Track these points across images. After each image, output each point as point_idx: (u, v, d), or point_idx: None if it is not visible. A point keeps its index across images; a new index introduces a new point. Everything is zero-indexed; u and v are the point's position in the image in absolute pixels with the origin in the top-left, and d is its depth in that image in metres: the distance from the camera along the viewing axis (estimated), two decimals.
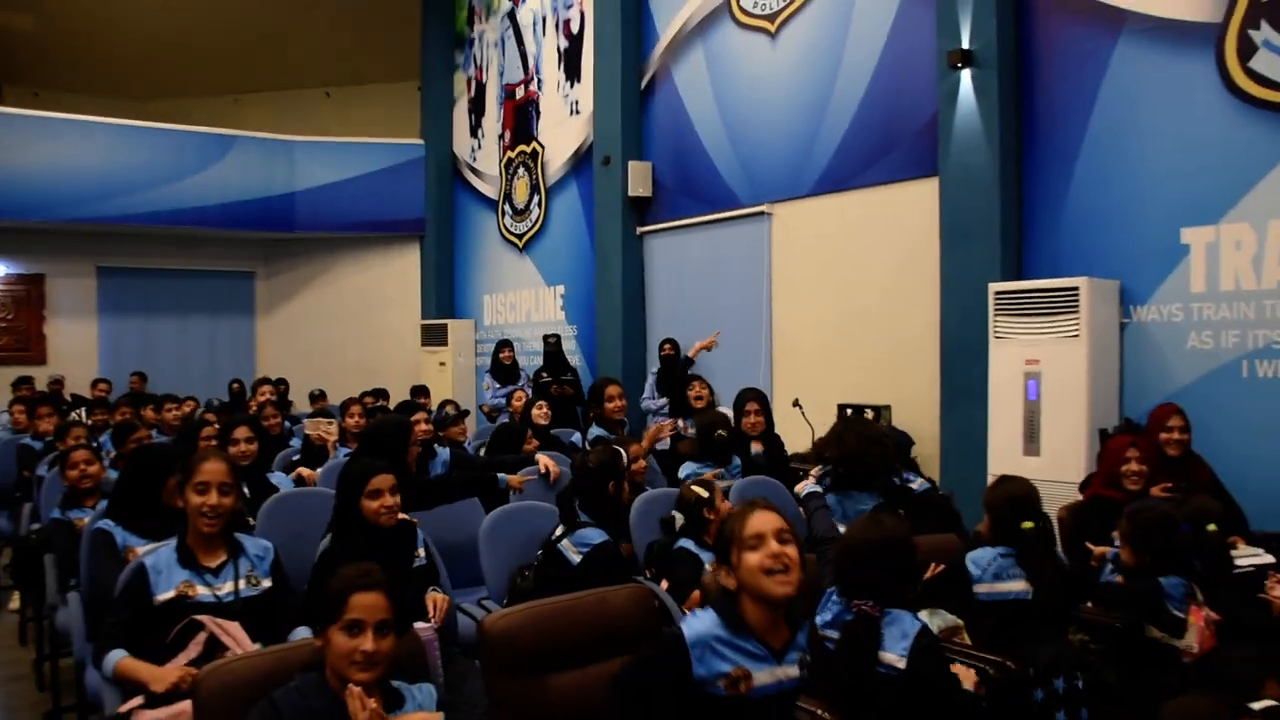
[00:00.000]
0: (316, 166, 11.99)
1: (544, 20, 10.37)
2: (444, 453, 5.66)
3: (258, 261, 12.87)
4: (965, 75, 6.09)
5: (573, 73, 9.91)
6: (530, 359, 10.03)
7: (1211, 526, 3.46)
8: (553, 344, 9.37)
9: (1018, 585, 3.32)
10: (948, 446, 6.29)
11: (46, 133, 10.81)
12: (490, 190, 11.44)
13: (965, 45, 6.09)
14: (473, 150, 11.81)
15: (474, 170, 11.80)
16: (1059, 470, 5.40)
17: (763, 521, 2.27)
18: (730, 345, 8.15)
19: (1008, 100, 6.01)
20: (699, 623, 2.28)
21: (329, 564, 3.26)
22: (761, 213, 7.80)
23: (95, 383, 10.16)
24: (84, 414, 8.70)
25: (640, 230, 9.05)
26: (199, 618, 2.95)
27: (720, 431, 5.24)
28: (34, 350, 11.45)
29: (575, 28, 9.84)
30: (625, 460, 4.12)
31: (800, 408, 6.84)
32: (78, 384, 10.67)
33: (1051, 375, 5.55)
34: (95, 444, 5.86)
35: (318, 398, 9.50)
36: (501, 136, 11.18)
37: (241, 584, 3.09)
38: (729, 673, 2.21)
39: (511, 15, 10.93)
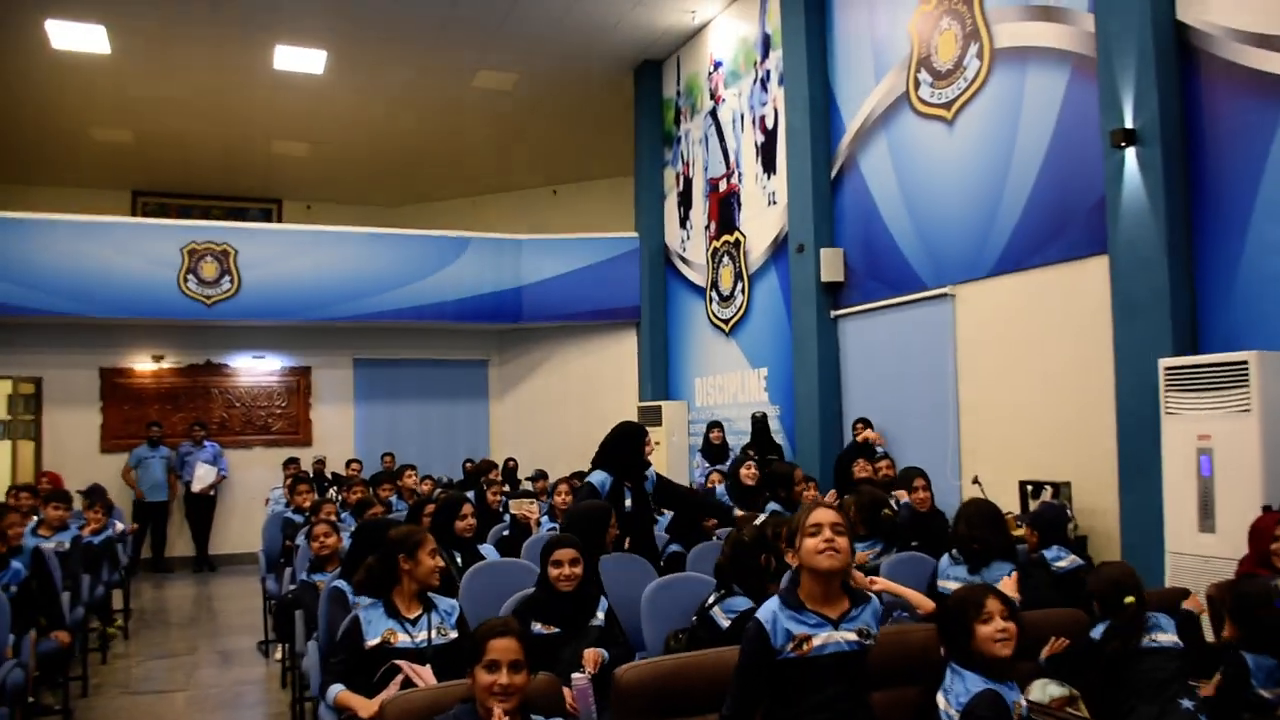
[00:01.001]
0: (541, 261, 13.14)
1: (742, 117, 11.08)
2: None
3: (491, 350, 14.13)
4: (1129, 153, 6.22)
5: (769, 165, 10.53)
6: (738, 438, 10.53)
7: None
8: (759, 420, 9.91)
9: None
10: (1127, 523, 6.29)
11: (312, 243, 12.50)
12: (699, 278, 12.16)
13: (1128, 124, 6.23)
14: (682, 241, 12.60)
15: (684, 259, 12.57)
16: (1235, 548, 5.32)
17: (822, 515, 2.79)
18: (920, 423, 8.39)
19: (1174, 175, 6.08)
20: (765, 610, 2.79)
21: (516, 614, 3.96)
22: (945, 294, 8.05)
23: (349, 463, 11.50)
24: (337, 491, 9.95)
25: (834, 314, 9.46)
26: (397, 662, 3.66)
27: (886, 510, 5.59)
28: (302, 434, 13.09)
29: (770, 123, 10.48)
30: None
31: (980, 485, 7.01)
32: (336, 463, 12.08)
33: (1224, 451, 5.51)
34: (340, 518, 6.92)
35: (536, 478, 10.37)
36: (707, 227, 11.90)
37: (433, 633, 3.79)
38: (794, 636, 2.72)
39: (713, 113, 11.72)
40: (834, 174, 9.53)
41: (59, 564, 6.42)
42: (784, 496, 6.57)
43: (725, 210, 11.49)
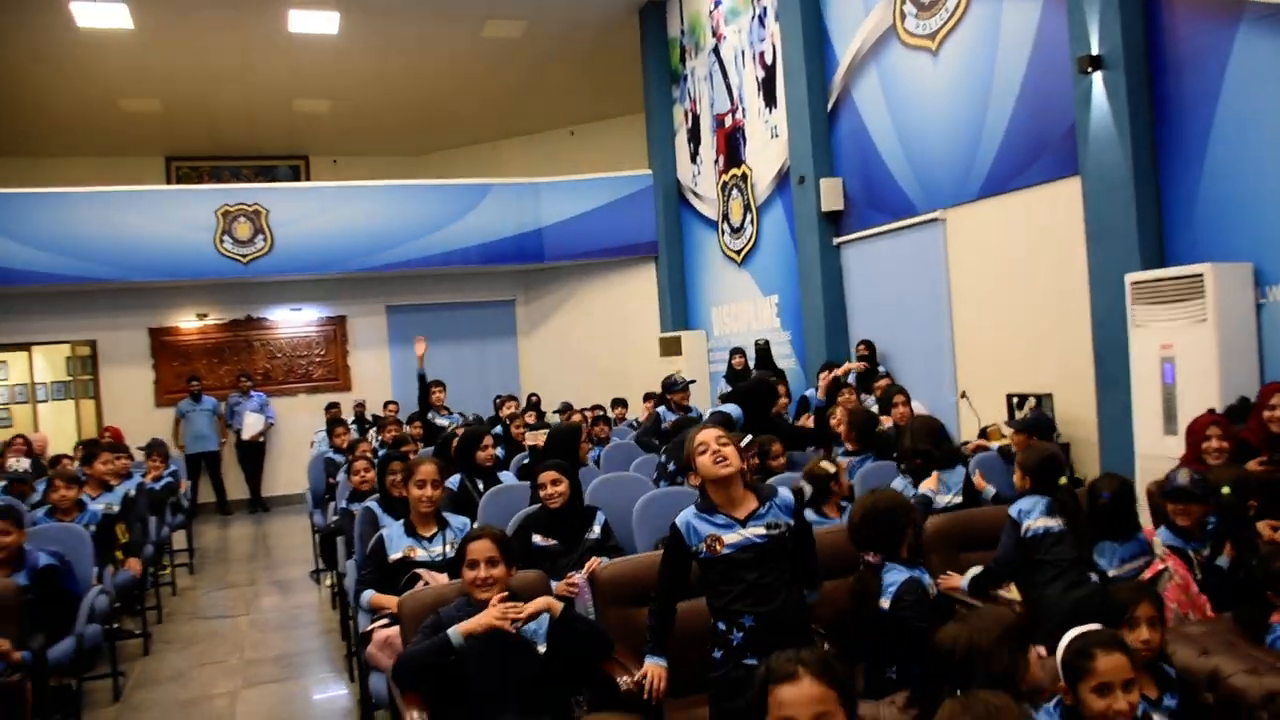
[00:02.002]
0: (560, 202, 13.55)
1: (743, 53, 11.35)
2: None
3: (517, 290, 14.64)
4: (1096, 78, 6.50)
5: (770, 100, 10.82)
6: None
7: (1225, 490, 3.93)
8: (762, 347, 10.40)
9: (1053, 521, 3.97)
10: (1104, 430, 6.71)
11: (338, 199, 13.02)
12: (711, 211, 12.53)
13: (1094, 50, 6.50)
14: (693, 175, 12.95)
15: (695, 194, 12.93)
16: None
17: (705, 435, 3.23)
18: (919, 342, 8.81)
19: (1137, 99, 6.37)
20: (682, 516, 3.26)
21: (520, 528, 4.53)
22: (935, 219, 8.40)
23: (386, 404, 12.13)
24: (376, 430, 10.59)
25: (836, 241, 9.83)
26: (417, 570, 4.25)
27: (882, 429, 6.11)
28: (341, 380, 13.72)
29: (769, 58, 10.74)
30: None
31: (967, 399, 7.45)
32: (375, 405, 12.71)
33: (1184, 359, 5.90)
34: (377, 454, 7.52)
35: (562, 410, 10.92)
36: (716, 162, 12.24)
37: (447, 548, 4.37)
38: (706, 539, 3.19)
39: (716, 50, 11.98)
40: (830, 106, 9.82)
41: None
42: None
43: (732, 145, 11.81)
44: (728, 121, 11.86)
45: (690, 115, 12.90)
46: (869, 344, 9.16)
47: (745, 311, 11.84)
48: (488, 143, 17.44)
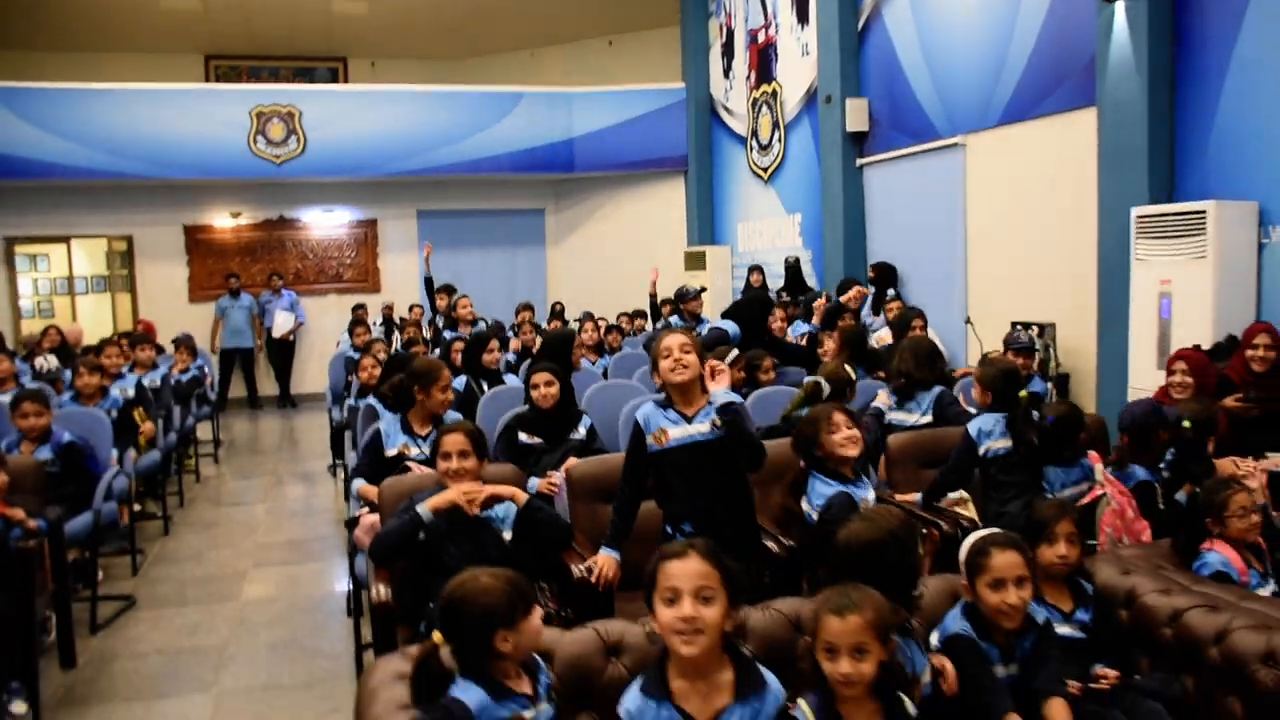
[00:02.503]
0: (592, 113, 13.57)
1: None
2: None
3: (547, 199, 14.74)
4: (1118, 8, 6.43)
5: (803, 16, 10.71)
6: (777, 282, 11.07)
7: (1186, 424, 4.05)
8: (792, 264, 10.47)
9: (1005, 443, 4.12)
10: (1102, 364, 6.79)
11: (371, 102, 13.15)
12: (740, 128, 12.50)
13: None
14: (726, 91, 12.89)
15: (727, 109, 12.89)
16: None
17: (670, 340, 3.44)
18: (932, 267, 8.85)
19: (1158, 31, 6.29)
20: (643, 410, 3.52)
21: (507, 425, 4.76)
22: (956, 144, 8.38)
23: (411, 308, 12.37)
24: (401, 332, 10.89)
25: (859, 162, 9.82)
26: (408, 463, 4.49)
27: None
28: (370, 282, 13.99)
29: None
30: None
31: (971, 324, 7.53)
32: (403, 308, 12.95)
33: (1181, 295, 5.95)
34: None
35: (584, 319, 11.09)
36: (748, 78, 12.17)
37: None
38: (655, 431, 3.44)
39: None
40: (860, 25, 9.72)
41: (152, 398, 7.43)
42: None
43: (764, 61, 11.73)
44: (761, 37, 11.76)
45: (725, 29, 12.79)
46: (879, 267, 9.21)
47: (770, 229, 11.89)
48: (526, 50, 17.31)
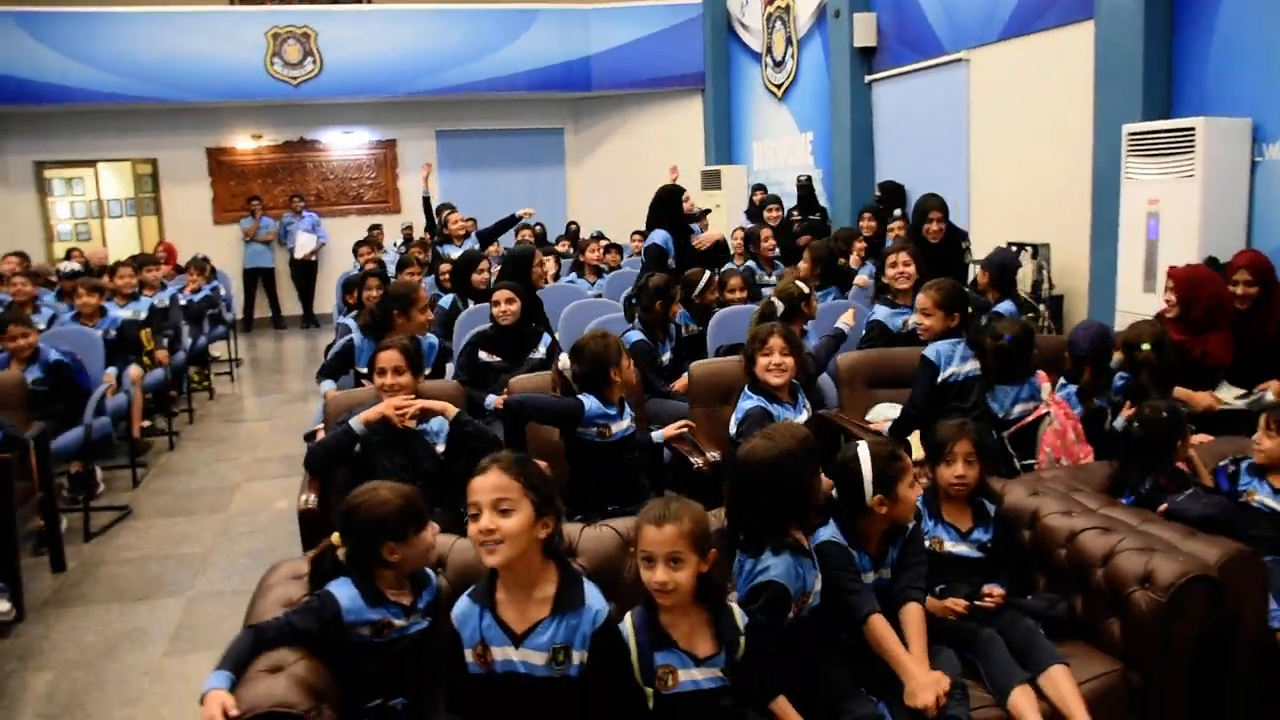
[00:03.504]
0: (609, 29, 13.38)
1: None
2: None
3: (567, 119, 14.62)
4: None
5: None
6: (790, 201, 10.93)
7: (1145, 346, 3.96)
8: (804, 184, 10.31)
9: (971, 365, 4.03)
10: (1094, 286, 6.67)
11: (386, 22, 13.08)
12: (756, 44, 12.25)
13: None
14: (742, 5, 12.60)
15: (743, 24, 12.61)
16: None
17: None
18: (937, 187, 8.64)
19: None
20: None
21: (469, 343, 4.85)
22: (960, 59, 8.17)
23: (426, 228, 12.41)
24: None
25: (868, 79, 9.62)
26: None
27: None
28: (391, 203, 14.04)
29: None
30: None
31: (968, 246, 7.39)
32: (422, 230, 13.01)
33: (1169, 215, 5.81)
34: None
35: (596, 238, 11.04)
36: None
37: None
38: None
39: None
40: None
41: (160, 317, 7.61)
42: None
43: None
44: None
45: None
46: (886, 186, 9.04)
47: (784, 147, 11.72)
48: None
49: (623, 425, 3.65)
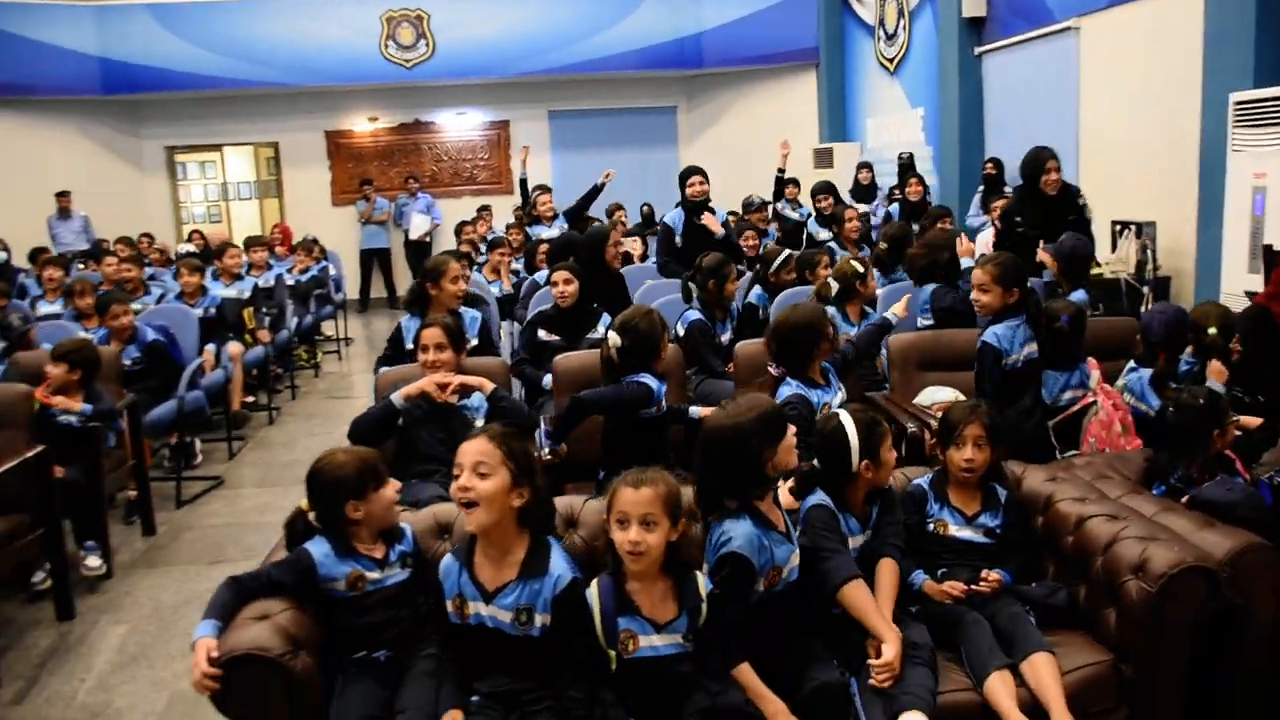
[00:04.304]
0: (720, 5, 13.39)
1: None
2: None
3: (680, 97, 14.70)
4: None
5: None
6: (892, 179, 10.78)
7: (1211, 330, 3.82)
8: (906, 160, 10.18)
9: (1032, 347, 3.94)
10: (1200, 266, 6.42)
11: (500, 3, 13.38)
12: (869, 16, 12.07)
13: None
14: None
15: None
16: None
17: None
18: None
19: None
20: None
21: (529, 322, 5.13)
22: (1069, 28, 7.92)
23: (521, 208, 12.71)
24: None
25: (977, 51, 9.40)
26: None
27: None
28: (504, 183, 14.38)
29: None
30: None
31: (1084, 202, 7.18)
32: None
33: (1277, 189, 5.55)
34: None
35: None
36: None
37: None
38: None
39: None
40: None
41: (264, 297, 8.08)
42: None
43: None
44: None
45: None
46: (997, 161, 8.84)
47: (895, 124, 11.55)
48: None
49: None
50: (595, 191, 8.55)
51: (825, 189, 8.34)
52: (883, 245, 6.15)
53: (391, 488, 2.65)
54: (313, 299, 9.47)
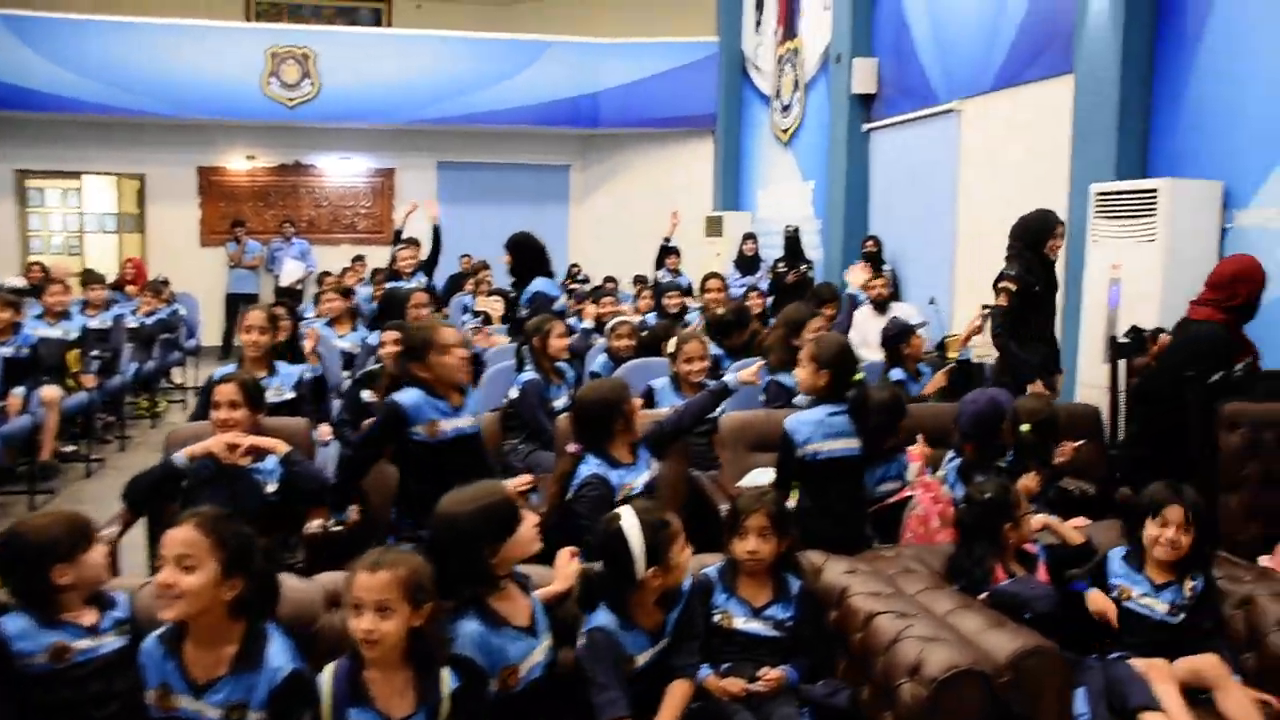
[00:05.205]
0: (620, 66, 13.51)
1: None
2: None
3: (574, 155, 14.74)
4: None
5: None
6: (777, 252, 10.88)
7: (1025, 428, 3.84)
8: (791, 234, 10.31)
9: (831, 444, 3.64)
10: (1065, 351, 6.51)
11: (389, 47, 13.35)
12: (767, 86, 12.30)
13: None
14: (756, 46, 12.68)
15: (755, 66, 12.68)
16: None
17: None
18: (924, 241, 8.64)
19: None
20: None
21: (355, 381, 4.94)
22: (951, 110, 8.13)
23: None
24: None
25: (866, 127, 9.60)
26: None
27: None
28: (385, 233, 14.09)
29: None
30: None
31: (935, 304, 7.32)
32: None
33: (1130, 281, 5.69)
34: None
35: (605, 282, 10.89)
36: (776, 32, 11.94)
37: (269, 394, 4.69)
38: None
39: None
40: None
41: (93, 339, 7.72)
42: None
43: (790, 14, 11.51)
44: None
45: None
46: (877, 239, 9.00)
47: (787, 194, 11.70)
48: None
49: (458, 424, 3.68)
50: (438, 232, 8.63)
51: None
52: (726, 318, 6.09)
53: (100, 550, 2.49)
54: (158, 344, 9.11)
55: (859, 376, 3.78)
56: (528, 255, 7.25)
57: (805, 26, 11.06)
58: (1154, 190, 5.53)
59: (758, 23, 12.60)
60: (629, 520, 2.63)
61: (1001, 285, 5.31)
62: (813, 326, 5.01)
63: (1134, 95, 6.04)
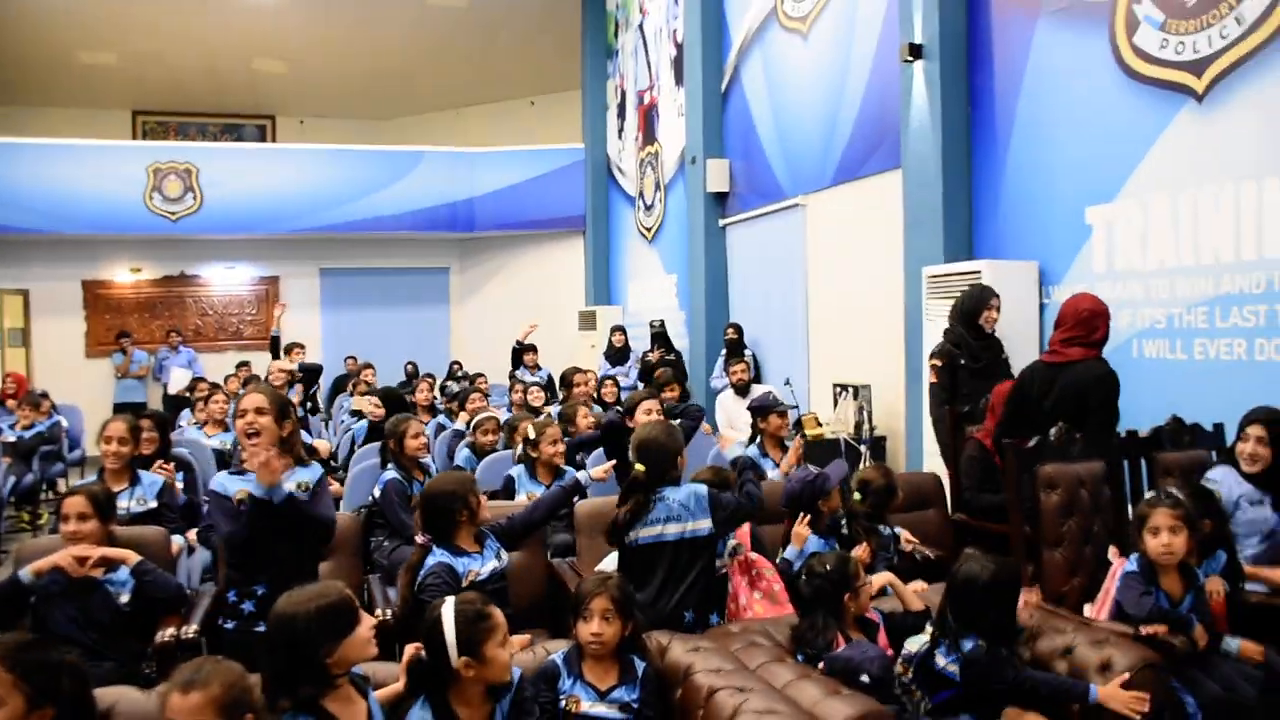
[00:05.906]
0: (494, 173, 13.54)
1: (660, 30, 11.21)
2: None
3: (453, 258, 14.64)
4: (917, 67, 6.35)
5: (679, 77, 10.68)
6: (645, 344, 10.89)
7: (856, 496, 3.83)
8: (657, 327, 10.35)
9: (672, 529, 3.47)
10: (909, 428, 6.59)
11: (269, 161, 13.14)
12: (631, 188, 12.45)
13: (916, 38, 6.34)
14: (619, 151, 12.86)
15: (620, 169, 12.86)
16: None
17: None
18: (780, 326, 8.72)
19: (953, 90, 6.21)
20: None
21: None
22: (797, 205, 8.29)
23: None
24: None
25: (722, 223, 9.73)
26: None
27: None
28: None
29: (680, 36, 10.60)
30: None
31: (790, 386, 7.34)
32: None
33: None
34: None
35: (474, 377, 10.70)
36: (636, 138, 12.14)
37: (133, 504, 4.43)
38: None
39: (641, 27, 11.86)
40: (724, 87, 9.68)
41: None
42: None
43: (649, 121, 11.71)
44: (646, 98, 11.76)
45: (619, 90, 12.82)
46: (738, 326, 9.05)
47: (653, 288, 11.78)
48: (451, 110, 17.36)
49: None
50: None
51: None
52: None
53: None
54: (37, 457, 8.59)
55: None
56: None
57: (663, 132, 11.24)
58: (978, 271, 5.65)
59: (620, 129, 12.78)
60: (446, 610, 2.47)
61: (930, 363, 5.42)
62: (644, 407, 5.00)
63: (955, 186, 6.22)
